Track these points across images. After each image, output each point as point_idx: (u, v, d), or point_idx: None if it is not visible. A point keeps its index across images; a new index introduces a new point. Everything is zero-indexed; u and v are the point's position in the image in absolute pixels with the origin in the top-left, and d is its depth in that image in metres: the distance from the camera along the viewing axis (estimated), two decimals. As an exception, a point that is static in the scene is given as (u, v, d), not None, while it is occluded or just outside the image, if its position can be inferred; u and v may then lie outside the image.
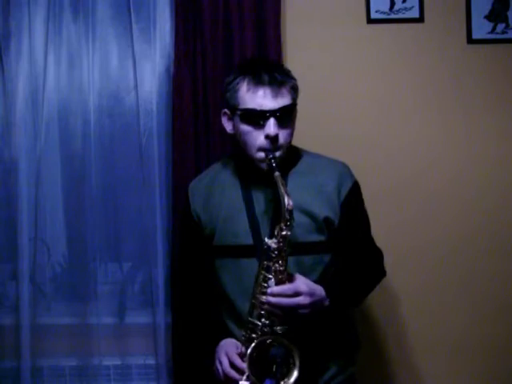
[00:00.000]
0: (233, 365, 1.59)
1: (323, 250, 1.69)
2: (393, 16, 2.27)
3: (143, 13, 2.24)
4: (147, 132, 2.24)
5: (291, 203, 1.54)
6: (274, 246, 1.56)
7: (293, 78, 1.70)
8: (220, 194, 1.75)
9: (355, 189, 1.75)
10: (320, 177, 1.72)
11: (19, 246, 2.22)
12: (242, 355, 1.59)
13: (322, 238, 1.68)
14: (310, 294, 1.54)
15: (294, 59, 2.25)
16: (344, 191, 1.71)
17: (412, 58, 2.28)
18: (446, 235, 2.30)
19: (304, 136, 2.23)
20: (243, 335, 1.61)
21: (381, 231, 2.25)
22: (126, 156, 2.29)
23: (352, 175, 1.76)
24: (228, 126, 1.73)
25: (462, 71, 2.28)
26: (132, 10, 2.22)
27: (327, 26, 2.27)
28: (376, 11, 2.27)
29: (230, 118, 1.71)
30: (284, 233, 1.55)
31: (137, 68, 2.23)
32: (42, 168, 2.25)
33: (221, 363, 1.62)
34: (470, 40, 2.28)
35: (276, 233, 1.56)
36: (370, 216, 2.20)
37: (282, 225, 1.55)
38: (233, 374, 1.58)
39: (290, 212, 1.54)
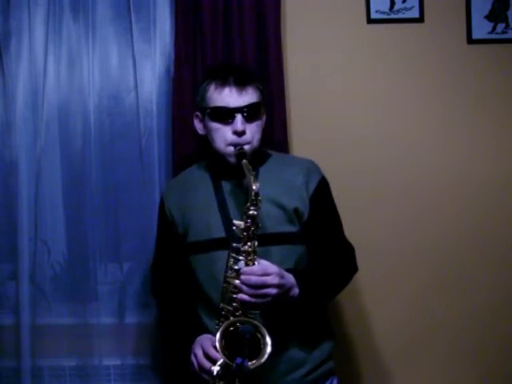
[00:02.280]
0: (207, 356, 1.62)
1: (295, 241, 1.74)
2: (393, 16, 2.27)
3: (143, 13, 2.24)
4: (147, 132, 2.24)
5: (258, 185, 1.60)
6: (242, 226, 1.61)
7: (258, 80, 1.80)
8: (192, 192, 1.82)
9: (323, 184, 1.81)
10: (288, 172, 1.79)
11: (19, 246, 2.22)
12: (216, 348, 1.60)
13: (293, 229, 1.74)
14: (280, 275, 1.58)
15: (294, 59, 2.25)
16: (312, 185, 1.77)
17: (412, 57, 2.28)
18: (446, 237, 2.29)
19: (303, 136, 2.25)
20: (217, 324, 1.64)
21: (381, 233, 2.27)
22: (126, 156, 2.29)
23: (320, 171, 1.83)
24: (199, 128, 1.83)
25: (462, 71, 2.28)
26: (132, 10, 2.23)
27: (327, 26, 2.27)
28: (376, 11, 2.27)
29: (201, 120, 1.81)
30: (251, 212, 1.60)
31: (137, 68, 2.23)
32: (42, 168, 2.25)
33: (195, 355, 1.65)
34: (470, 40, 2.27)
35: (244, 213, 1.62)
36: (371, 218, 2.22)
37: (249, 205, 1.61)
38: (206, 363, 1.61)
39: (256, 193, 1.60)
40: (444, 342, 2.30)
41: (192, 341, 1.70)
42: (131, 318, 2.30)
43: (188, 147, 2.16)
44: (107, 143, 2.29)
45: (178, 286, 1.84)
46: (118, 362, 2.28)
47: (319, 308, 1.80)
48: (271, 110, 2.15)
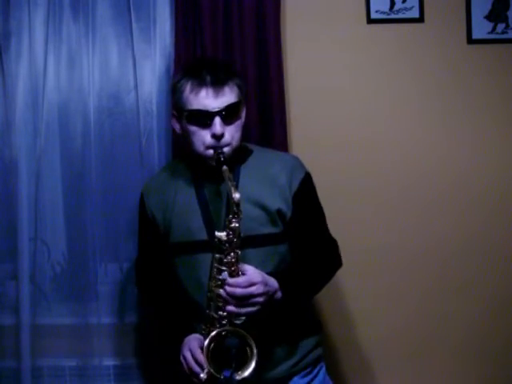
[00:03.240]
0: (196, 360, 1.63)
1: (278, 242, 1.73)
2: (393, 16, 2.27)
3: (143, 12, 2.24)
4: (147, 132, 2.24)
5: (238, 196, 1.57)
6: (224, 238, 1.59)
7: (237, 76, 1.73)
8: (173, 193, 1.79)
9: (307, 180, 1.78)
10: (271, 169, 1.75)
11: (19, 246, 2.22)
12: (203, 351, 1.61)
13: (276, 229, 1.72)
14: (264, 283, 1.58)
15: (293, 59, 2.25)
16: (296, 183, 1.74)
17: (412, 58, 2.28)
18: (450, 237, 2.29)
19: (302, 136, 2.25)
20: (203, 329, 1.65)
21: (383, 234, 2.27)
22: (126, 156, 2.29)
23: (303, 167, 1.80)
24: (176, 127, 1.78)
25: (462, 71, 2.28)
26: (132, 10, 2.22)
27: (327, 26, 2.27)
28: (376, 11, 2.26)
29: (178, 119, 1.75)
30: (233, 225, 1.58)
31: (137, 68, 2.22)
32: (42, 168, 2.25)
33: (185, 358, 1.66)
34: (470, 40, 2.27)
35: (226, 225, 1.60)
36: (372, 219, 2.21)
37: (231, 217, 1.59)
38: (196, 368, 1.62)
39: (237, 204, 1.57)
40: (447, 342, 2.31)
41: (179, 339, 1.71)
42: (131, 318, 2.30)
43: (188, 147, 2.15)
44: (107, 143, 2.29)
45: (162, 283, 1.84)
46: (118, 362, 2.29)
47: (304, 305, 1.81)
48: (271, 110, 2.15)
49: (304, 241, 1.76)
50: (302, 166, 1.80)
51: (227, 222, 1.59)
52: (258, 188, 1.72)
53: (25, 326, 2.22)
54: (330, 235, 1.82)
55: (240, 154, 1.76)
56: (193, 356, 1.63)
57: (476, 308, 2.30)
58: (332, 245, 1.81)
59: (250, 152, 1.81)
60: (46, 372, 2.27)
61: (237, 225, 1.58)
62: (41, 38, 2.21)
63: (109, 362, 2.28)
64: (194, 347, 1.64)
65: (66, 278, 2.31)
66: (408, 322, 2.30)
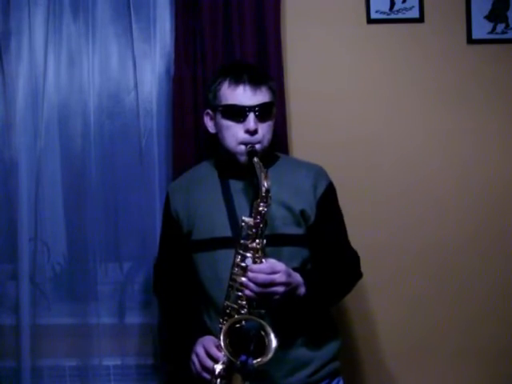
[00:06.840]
0: (209, 355, 1.61)
1: (301, 244, 1.74)
2: (393, 16, 2.27)
3: (143, 12, 2.24)
4: (147, 132, 2.24)
5: (269, 183, 1.59)
6: (251, 223, 1.60)
7: (271, 80, 1.81)
8: (199, 190, 1.81)
9: (331, 189, 1.81)
10: (297, 176, 1.79)
11: (19, 246, 2.22)
12: (218, 348, 1.59)
13: (299, 231, 1.73)
14: (287, 273, 1.58)
15: (293, 59, 2.25)
16: (320, 190, 1.77)
17: (412, 58, 2.28)
18: (450, 239, 2.29)
19: (302, 136, 2.25)
20: (220, 323, 1.62)
21: (382, 234, 2.27)
22: (126, 156, 2.29)
23: (327, 177, 1.83)
24: (210, 126, 1.82)
25: (462, 71, 2.28)
26: (132, 10, 2.23)
27: (327, 26, 2.27)
28: (376, 11, 2.27)
29: (212, 118, 1.80)
30: (260, 209, 1.59)
31: (137, 68, 2.23)
32: (42, 168, 2.25)
33: (197, 355, 1.64)
34: (470, 40, 2.27)
35: (253, 210, 1.61)
36: (372, 219, 2.20)
37: (259, 201, 1.60)
38: (208, 362, 1.60)
39: (267, 190, 1.59)
40: (448, 344, 2.30)
41: (193, 341, 1.68)
42: (131, 318, 2.30)
43: (188, 147, 2.16)
44: (107, 143, 2.29)
45: (180, 286, 1.83)
46: (118, 362, 2.28)
47: (324, 310, 1.79)
48: (271, 109, 2.16)
49: (325, 248, 1.76)
50: (326, 175, 1.83)
51: (255, 206, 1.60)
52: (283, 190, 1.73)
53: (25, 326, 2.22)
54: (350, 246, 1.83)
55: (269, 159, 1.79)
56: (206, 351, 1.62)
57: (479, 309, 2.30)
58: (353, 256, 1.82)
59: (278, 158, 1.85)
60: (46, 372, 2.27)
61: (265, 209, 1.59)
62: (41, 38, 2.22)
63: (109, 361, 2.27)
64: (208, 344, 1.63)
65: (66, 278, 2.31)
66: (406, 322, 2.30)
